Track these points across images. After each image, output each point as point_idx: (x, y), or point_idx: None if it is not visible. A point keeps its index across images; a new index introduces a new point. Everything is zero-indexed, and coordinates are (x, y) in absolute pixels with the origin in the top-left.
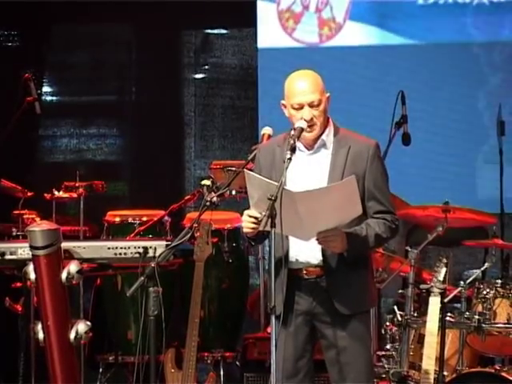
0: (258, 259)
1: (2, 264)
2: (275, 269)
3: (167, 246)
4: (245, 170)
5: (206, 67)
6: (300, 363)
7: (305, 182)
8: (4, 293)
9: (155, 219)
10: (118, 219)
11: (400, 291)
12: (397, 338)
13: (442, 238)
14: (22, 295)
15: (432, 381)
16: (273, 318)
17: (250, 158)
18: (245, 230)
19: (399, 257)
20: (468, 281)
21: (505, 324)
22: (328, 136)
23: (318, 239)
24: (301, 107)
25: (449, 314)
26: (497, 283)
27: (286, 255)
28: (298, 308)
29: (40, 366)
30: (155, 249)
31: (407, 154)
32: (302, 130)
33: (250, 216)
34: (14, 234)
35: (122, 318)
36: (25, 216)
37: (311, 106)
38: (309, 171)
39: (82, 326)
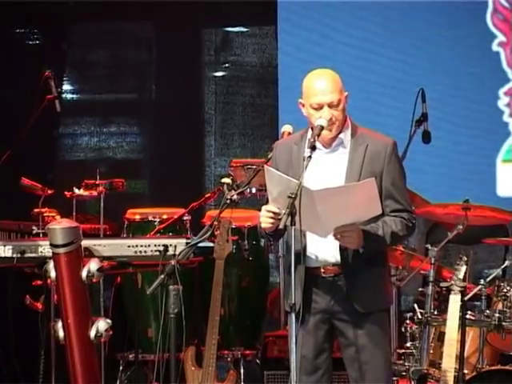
0: (278, 257)
1: (22, 262)
2: (294, 267)
3: (187, 243)
4: (265, 165)
5: (227, 65)
6: (319, 361)
7: (322, 180)
8: (24, 291)
9: (175, 217)
10: (138, 217)
11: (420, 289)
12: (417, 336)
13: (462, 236)
14: (43, 293)
15: (452, 379)
16: (292, 316)
17: (269, 157)
18: (263, 224)
19: (419, 255)
20: (488, 279)
21: None
22: (346, 135)
23: (334, 235)
24: (320, 107)
25: (469, 312)
26: None
27: (304, 253)
28: (316, 306)
29: (60, 364)
30: (175, 247)
31: (427, 152)
32: (323, 128)
33: (269, 211)
34: (35, 231)
35: (142, 316)
36: (45, 214)
37: (331, 105)
38: (326, 169)
39: (102, 324)
